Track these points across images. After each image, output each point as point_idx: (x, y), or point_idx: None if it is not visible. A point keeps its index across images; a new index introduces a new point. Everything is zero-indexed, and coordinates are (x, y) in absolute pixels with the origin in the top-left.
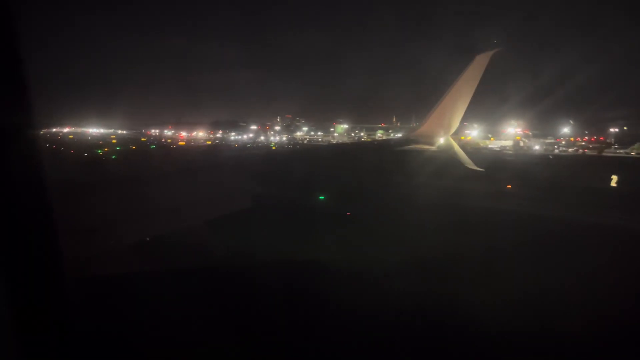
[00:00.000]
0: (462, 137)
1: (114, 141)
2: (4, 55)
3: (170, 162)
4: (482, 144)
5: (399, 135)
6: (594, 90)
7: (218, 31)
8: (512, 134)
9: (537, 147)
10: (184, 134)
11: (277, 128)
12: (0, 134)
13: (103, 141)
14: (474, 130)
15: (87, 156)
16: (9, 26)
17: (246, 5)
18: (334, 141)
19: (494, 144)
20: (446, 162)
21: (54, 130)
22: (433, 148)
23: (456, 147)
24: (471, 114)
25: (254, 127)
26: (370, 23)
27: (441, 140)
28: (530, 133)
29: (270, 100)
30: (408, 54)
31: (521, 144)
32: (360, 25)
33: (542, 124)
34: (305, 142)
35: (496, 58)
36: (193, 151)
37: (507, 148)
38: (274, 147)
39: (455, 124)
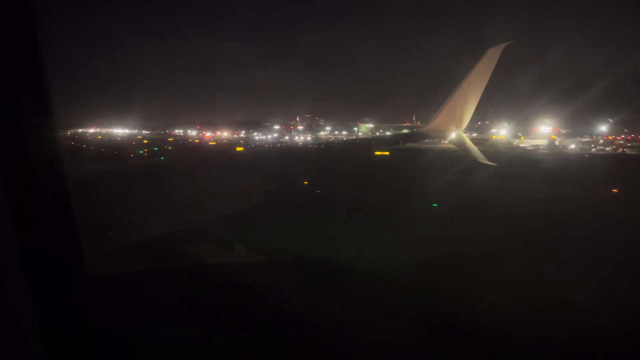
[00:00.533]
0: (494, 137)
1: (145, 141)
2: (24, 57)
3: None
4: (514, 143)
5: None
6: (634, 85)
7: (238, 31)
8: (544, 132)
9: (572, 147)
10: (208, 134)
11: (300, 128)
12: (21, 134)
13: (135, 141)
14: (502, 128)
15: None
16: (30, 29)
17: (265, 5)
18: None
19: (525, 143)
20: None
21: (80, 130)
22: (446, 142)
23: (468, 142)
24: (499, 112)
25: (276, 127)
26: (390, 22)
27: (453, 135)
28: (563, 131)
29: (290, 99)
30: (429, 54)
31: (556, 142)
32: (382, 25)
33: (575, 122)
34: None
35: (508, 51)
36: (235, 150)
37: (542, 147)
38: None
39: (467, 118)
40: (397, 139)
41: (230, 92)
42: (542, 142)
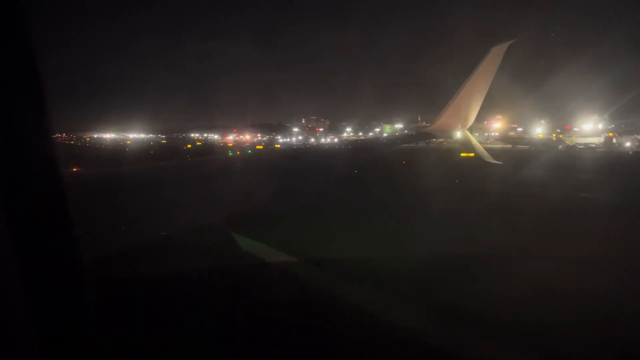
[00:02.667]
0: (554, 135)
1: (199, 143)
2: (18, 59)
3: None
4: (567, 141)
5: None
6: None
7: (253, 34)
8: (594, 130)
9: (628, 144)
10: (230, 137)
11: (320, 129)
12: (16, 137)
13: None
14: (539, 126)
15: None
16: (24, 31)
17: (276, 5)
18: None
19: (577, 141)
20: None
21: (95, 135)
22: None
23: (474, 141)
24: (546, 110)
25: (295, 129)
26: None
27: (458, 134)
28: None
29: (308, 101)
30: (442, 55)
31: (614, 140)
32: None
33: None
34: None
35: (513, 49)
36: (279, 154)
37: (599, 146)
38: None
39: (472, 117)
40: (404, 139)
41: (242, 94)
42: (595, 140)
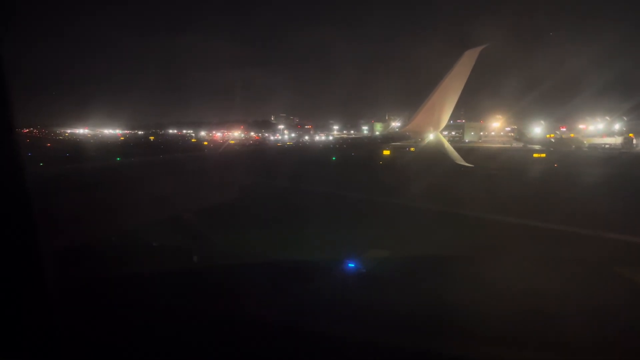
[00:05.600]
0: (572, 135)
1: (206, 143)
2: None
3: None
4: (586, 142)
5: (453, 133)
6: None
7: (233, 29)
8: (606, 130)
9: None
10: (218, 134)
11: (311, 127)
12: None
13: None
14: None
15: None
16: None
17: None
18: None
19: (593, 142)
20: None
21: (69, 131)
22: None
23: (446, 144)
24: (544, 110)
25: (281, 126)
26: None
27: (431, 136)
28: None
29: (293, 98)
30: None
31: (634, 141)
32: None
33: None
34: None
35: (485, 53)
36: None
37: (616, 146)
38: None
39: (445, 119)
40: (379, 139)
41: (226, 91)
42: (613, 140)
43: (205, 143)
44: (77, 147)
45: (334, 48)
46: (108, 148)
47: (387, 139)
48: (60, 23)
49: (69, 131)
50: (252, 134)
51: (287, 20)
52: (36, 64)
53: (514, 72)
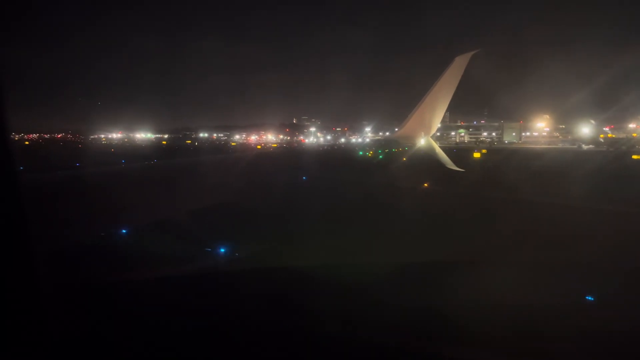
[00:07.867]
0: (634, 135)
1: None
2: None
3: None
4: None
5: (485, 134)
6: None
7: (265, 33)
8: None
9: None
10: (252, 137)
11: (344, 129)
12: None
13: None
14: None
15: None
16: None
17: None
18: None
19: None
20: None
21: (103, 136)
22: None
23: (437, 148)
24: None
25: (313, 129)
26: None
27: (422, 141)
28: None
29: (318, 102)
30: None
31: None
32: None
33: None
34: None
35: (476, 59)
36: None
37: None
38: None
39: (436, 124)
40: (375, 145)
41: (250, 94)
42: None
43: (250, 145)
44: (138, 150)
45: (377, 55)
46: (165, 150)
47: (380, 144)
48: (81, 31)
49: (103, 136)
50: (299, 136)
51: (313, 21)
52: (74, 72)
53: (558, 72)
